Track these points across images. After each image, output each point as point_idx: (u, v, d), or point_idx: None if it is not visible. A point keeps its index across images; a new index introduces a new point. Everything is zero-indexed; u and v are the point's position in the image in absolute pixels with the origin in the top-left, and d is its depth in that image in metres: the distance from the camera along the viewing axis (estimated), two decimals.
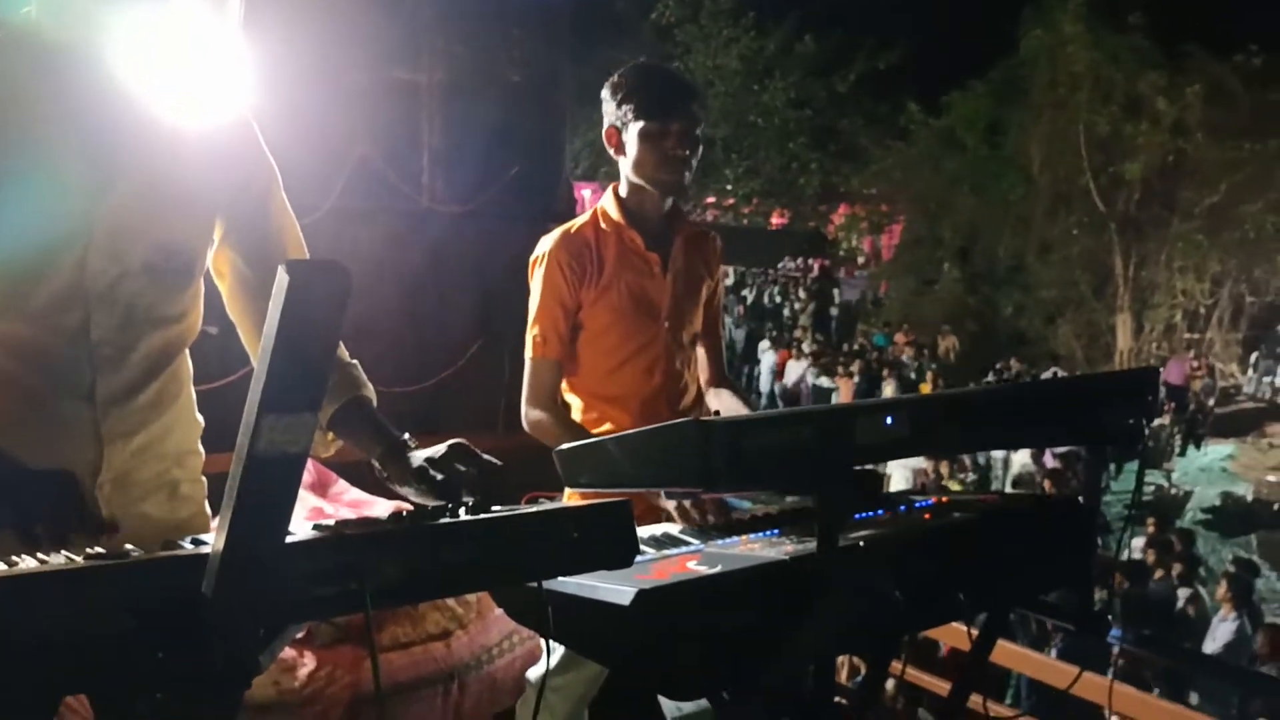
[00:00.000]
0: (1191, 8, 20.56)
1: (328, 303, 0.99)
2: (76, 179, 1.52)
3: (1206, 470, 16.98)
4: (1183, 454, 17.34)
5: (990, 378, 18.87)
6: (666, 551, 1.74)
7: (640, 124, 2.38)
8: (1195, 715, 3.67)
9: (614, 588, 1.42)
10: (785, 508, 2.13)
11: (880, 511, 1.92)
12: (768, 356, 19.47)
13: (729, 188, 28.74)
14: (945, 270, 24.68)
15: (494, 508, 1.36)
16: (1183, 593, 8.45)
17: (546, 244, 2.47)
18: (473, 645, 3.44)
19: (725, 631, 1.46)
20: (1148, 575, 8.65)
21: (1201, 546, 11.48)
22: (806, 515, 1.99)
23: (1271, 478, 16.29)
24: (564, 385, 2.52)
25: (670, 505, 2.16)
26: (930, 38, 24.39)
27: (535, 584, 1.36)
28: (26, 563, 1.12)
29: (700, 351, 2.68)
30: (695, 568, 1.55)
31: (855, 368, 17.90)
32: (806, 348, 19.88)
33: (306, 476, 3.83)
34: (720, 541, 1.81)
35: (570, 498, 2.27)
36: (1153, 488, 14.53)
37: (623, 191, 2.50)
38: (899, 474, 11.03)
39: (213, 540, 1.07)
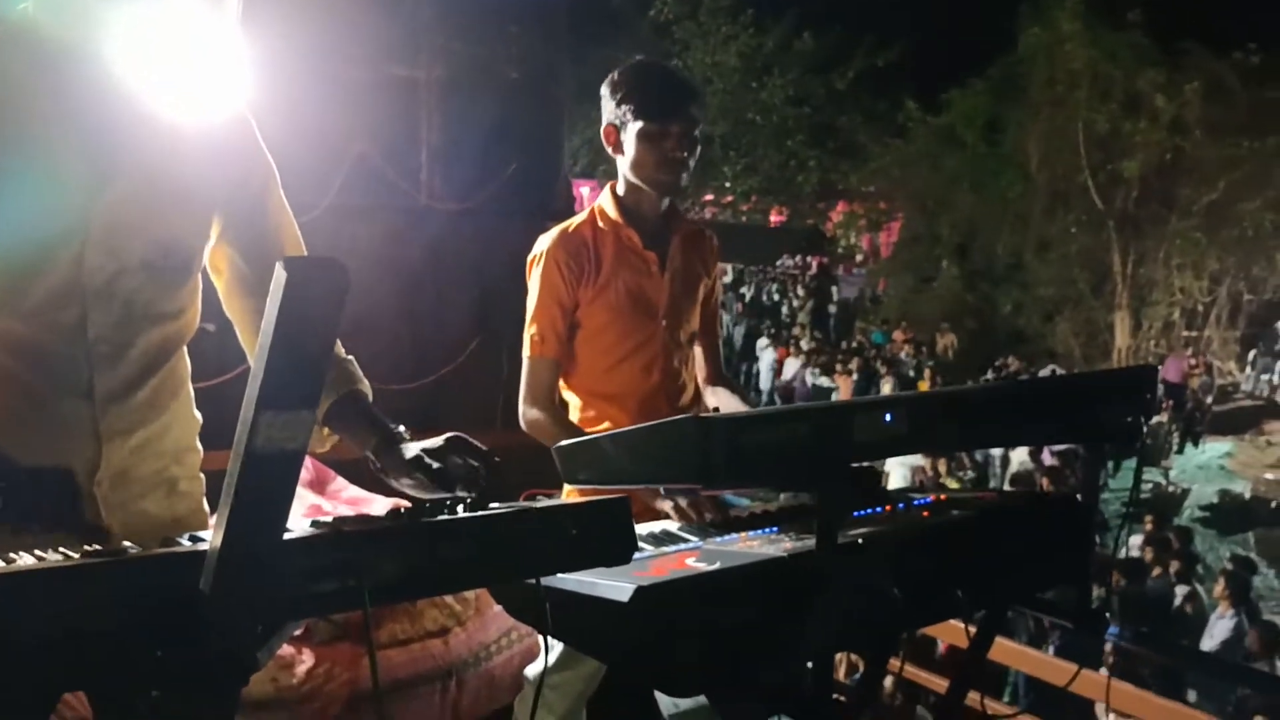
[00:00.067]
0: (1190, 5, 20.56)
1: (325, 299, 0.99)
2: (74, 176, 1.51)
3: (1204, 468, 16.99)
4: (1180, 452, 17.35)
5: (989, 375, 18.88)
6: (665, 549, 1.74)
7: (639, 124, 2.38)
8: (1193, 713, 3.67)
9: (612, 584, 1.42)
10: (784, 505, 2.14)
11: (879, 509, 1.92)
12: (767, 354, 19.47)
13: (727, 185, 28.72)
14: (943, 268, 24.68)
15: (492, 504, 1.36)
16: (1180, 590, 8.46)
17: (544, 243, 2.46)
18: (471, 642, 3.44)
19: (724, 628, 1.47)
20: (1145, 573, 8.65)
21: (1199, 544, 11.49)
22: (805, 513, 1.99)
23: (1269, 475, 16.31)
24: (562, 384, 2.52)
25: (668, 505, 2.16)
26: (929, 35, 24.39)
27: (533, 581, 1.36)
28: (24, 560, 1.12)
29: (698, 350, 2.68)
30: (694, 565, 1.55)
31: (854, 365, 17.90)
32: (805, 345, 19.88)
33: (304, 474, 3.83)
34: (719, 539, 1.81)
35: (569, 495, 2.27)
36: (1150, 485, 14.54)
37: (620, 190, 2.50)
38: (897, 472, 11.02)
39: (211, 537, 1.07)
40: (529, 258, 2.49)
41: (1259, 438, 18.52)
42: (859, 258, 31.30)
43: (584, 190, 16.21)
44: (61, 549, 1.17)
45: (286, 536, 1.12)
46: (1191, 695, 6.51)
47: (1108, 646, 5.87)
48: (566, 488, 2.25)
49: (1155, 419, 15.07)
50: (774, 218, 31.14)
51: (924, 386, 16.91)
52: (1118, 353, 21.17)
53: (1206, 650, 7.39)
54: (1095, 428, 1.97)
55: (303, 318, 0.98)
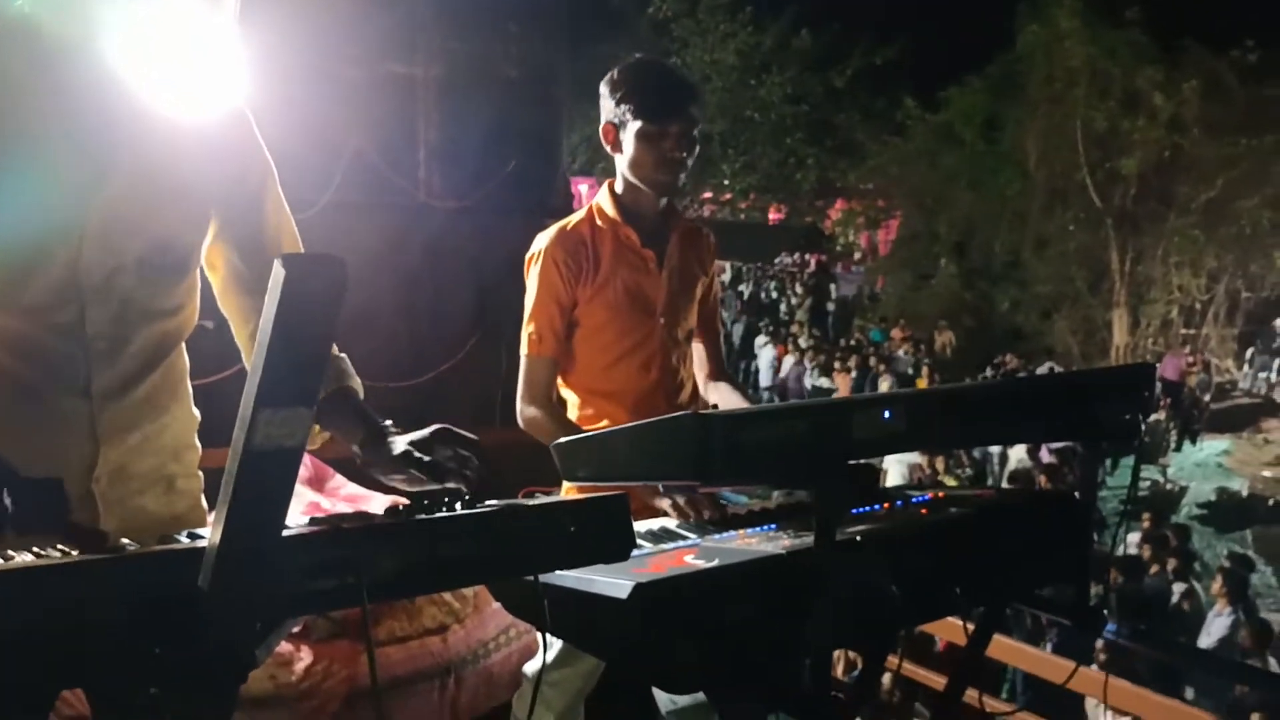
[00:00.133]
0: (1188, 3, 20.58)
1: (324, 296, 0.99)
2: (71, 173, 1.51)
3: (1202, 465, 17.01)
4: (1178, 449, 17.37)
5: (988, 373, 18.89)
6: (663, 546, 1.74)
7: (638, 124, 2.38)
8: (1191, 710, 3.68)
9: (611, 581, 1.42)
10: (782, 502, 2.14)
11: (877, 506, 1.92)
12: (766, 352, 19.47)
13: (726, 183, 28.73)
14: (942, 265, 24.69)
15: (490, 501, 1.36)
16: (1178, 588, 8.47)
17: (542, 241, 2.46)
18: (469, 640, 3.45)
19: (722, 626, 1.47)
20: (1143, 570, 8.66)
21: (1197, 542, 11.49)
22: (803, 510, 1.99)
23: (1267, 473, 16.34)
24: (560, 382, 2.52)
25: (666, 503, 2.16)
26: (927, 33, 24.40)
27: (532, 578, 1.36)
28: (22, 557, 1.12)
29: (699, 347, 2.68)
30: (692, 562, 1.55)
31: (852, 363, 17.91)
32: (803, 343, 19.88)
33: (303, 471, 3.83)
34: (717, 536, 1.81)
35: (568, 492, 2.27)
36: (1148, 483, 14.55)
37: (618, 188, 2.50)
38: (895, 469, 11.03)
39: (209, 534, 1.07)
40: (527, 256, 2.49)
41: (1256, 435, 18.55)
42: (857, 255, 31.31)
43: (582, 188, 16.20)
44: (60, 546, 1.17)
45: (285, 534, 1.12)
46: (1189, 693, 6.51)
47: (1099, 643, 5.89)
48: (565, 485, 2.26)
49: (1153, 417, 15.09)
50: (772, 215, 31.15)
51: (922, 384, 16.92)
52: (1116, 350, 21.20)
53: (1204, 648, 7.40)
54: (1093, 425, 1.97)
55: (301, 315, 0.97)
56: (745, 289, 26.86)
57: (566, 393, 2.53)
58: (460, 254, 6.10)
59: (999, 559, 1.91)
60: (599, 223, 2.48)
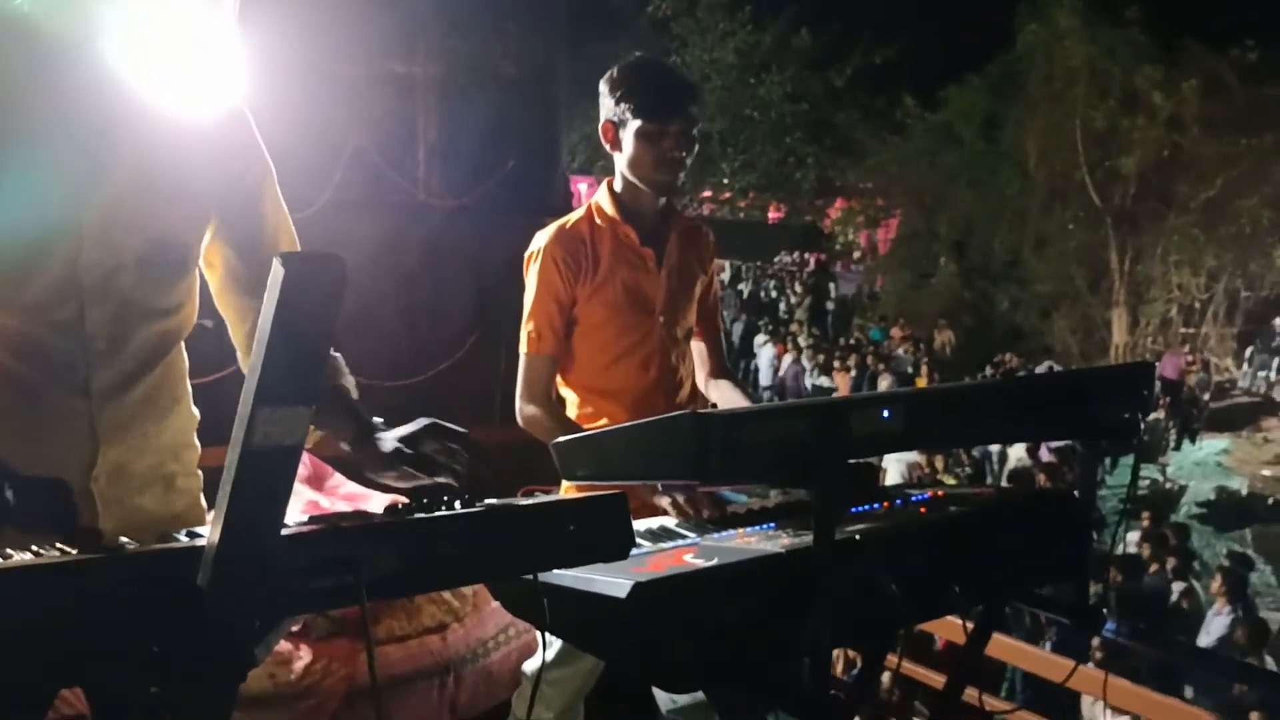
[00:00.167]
0: (1188, 2, 20.58)
1: (323, 294, 0.99)
2: (70, 172, 1.51)
3: (1201, 464, 17.02)
4: (1178, 448, 17.38)
5: (988, 372, 18.90)
6: (662, 545, 1.74)
7: (638, 123, 2.38)
8: (1189, 708, 3.68)
9: (610, 580, 1.42)
10: (781, 501, 2.14)
11: (876, 505, 1.92)
12: (765, 351, 19.47)
13: (725, 181, 28.73)
14: (941, 264, 24.69)
15: (489, 500, 1.36)
16: (1177, 587, 8.47)
17: (541, 239, 2.46)
18: (469, 638, 3.45)
19: (721, 624, 1.46)
20: (1143, 569, 8.67)
21: (1196, 541, 11.49)
22: (803, 509, 1.99)
23: (1266, 472, 16.35)
24: (559, 380, 2.51)
25: (665, 502, 2.16)
26: (927, 32, 24.40)
27: (531, 577, 1.36)
28: (21, 556, 1.12)
29: (701, 345, 2.68)
30: (691, 561, 1.55)
31: (852, 362, 17.91)
32: (802, 341, 19.88)
33: (302, 470, 3.83)
34: (716, 535, 1.81)
35: (567, 491, 2.27)
36: (1147, 482, 14.56)
37: (617, 187, 2.50)
38: (894, 468, 11.03)
39: (208, 533, 1.07)
40: (526, 254, 2.48)
41: (1256, 434, 18.56)
42: (857, 254, 31.31)
43: (581, 187, 16.19)
44: (59, 545, 1.16)
45: (284, 532, 1.12)
46: (1189, 691, 6.52)
47: (1094, 641, 5.90)
48: (564, 484, 2.25)
49: (1152, 416, 15.11)
50: (772, 214, 31.15)
51: (921, 383, 16.92)
52: (1115, 349, 21.21)
53: (1203, 646, 7.41)
54: (1092, 424, 1.97)
55: (300, 313, 0.97)
56: (744, 288, 26.87)
57: (565, 391, 2.53)
58: (459, 253, 6.10)
59: (998, 558, 1.91)
60: (598, 221, 2.48)
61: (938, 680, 3.89)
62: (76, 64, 1.51)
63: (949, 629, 3.72)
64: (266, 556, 1.07)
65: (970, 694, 2.26)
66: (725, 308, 21.79)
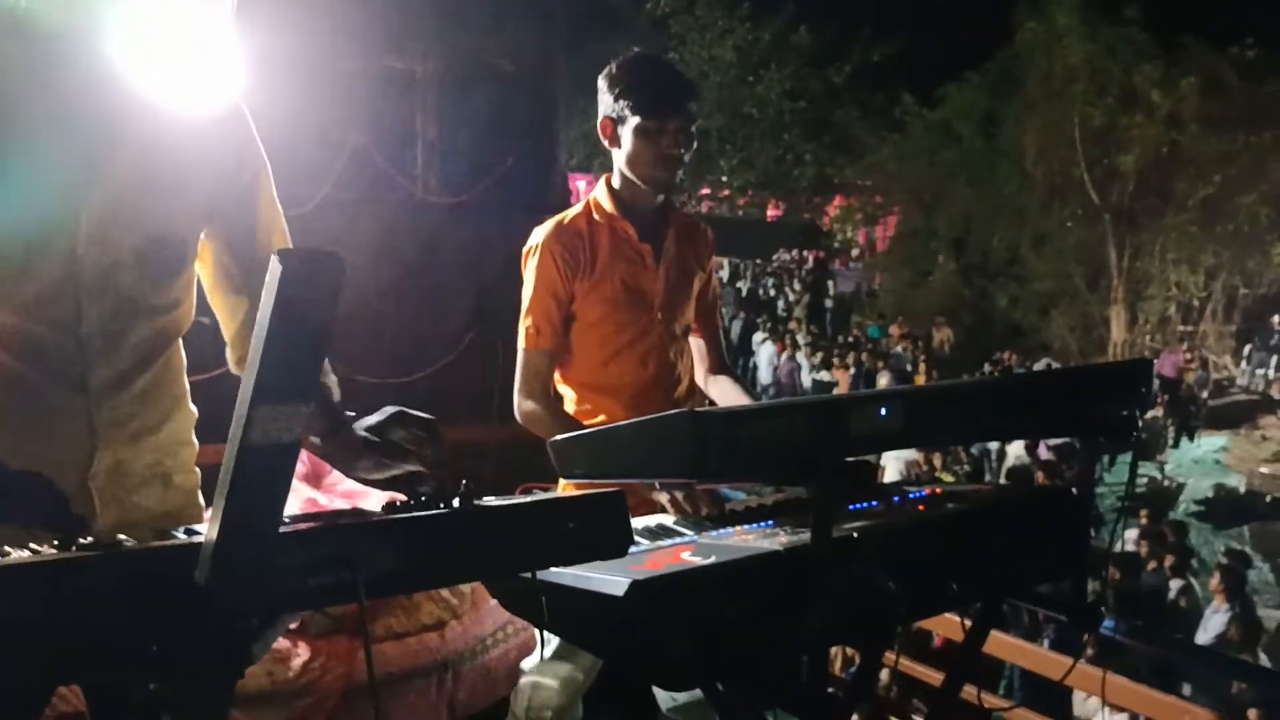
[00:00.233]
0: (1187, 0, 20.58)
1: (322, 292, 0.99)
2: (67, 168, 1.51)
3: (1200, 462, 17.02)
4: (1176, 446, 17.38)
5: (987, 369, 18.91)
6: (660, 542, 1.74)
7: (637, 120, 2.37)
8: (1187, 706, 3.68)
9: (608, 578, 1.42)
10: (779, 499, 2.14)
11: (874, 502, 1.92)
12: (765, 348, 19.45)
13: (724, 179, 28.75)
14: (940, 262, 24.68)
15: (488, 498, 1.36)
16: (1175, 584, 8.48)
17: (539, 235, 2.46)
18: (467, 636, 3.45)
19: (719, 622, 1.47)
20: (1141, 567, 8.67)
21: (1194, 538, 11.49)
22: (800, 506, 1.99)
23: (1264, 469, 16.36)
24: (557, 376, 2.51)
25: (663, 499, 2.16)
26: (926, 30, 24.40)
27: (529, 574, 1.36)
28: (19, 553, 1.12)
29: (700, 341, 2.68)
30: (689, 558, 1.55)
31: (850, 360, 17.91)
32: (801, 339, 19.88)
33: (300, 467, 3.83)
34: (714, 532, 1.81)
35: (565, 489, 2.27)
36: (1146, 480, 14.56)
37: (615, 183, 2.49)
38: (892, 466, 11.04)
39: (206, 530, 1.07)
40: (524, 249, 2.48)
41: (1254, 432, 18.57)
42: (855, 252, 31.34)
43: (580, 184, 16.20)
44: (56, 542, 1.16)
45: (282, 529, 1.12)
46: (1186, 689, 6.52)
47: (1086, 638, 5.91)
48: (562, 482, 2.25)
49: (1150, 413, 15.12)
50: (770, 212, 31.16)
51: (920, 381, 16.92)
52: (1113, 347, 21.21)
53: (1201, 644, 7.42)
54: (1090, 422, 1.97)
55: (299, 310, 0.97)
56: (743, 285, 26.87)
57: (563, 387, 2.53)
58: (457, 250, 6.10)
59: (996, 555, 1.91)
60: (596, 217, 2.48)
61: (936, 678, 3.90)
62: (76, 62, 1.51)
63: (947, 626, 3.72)
64: (265, 553, 1.07)
65: (968, 691, 2.26)
66: (724, 305, 21.85)
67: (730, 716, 1.64)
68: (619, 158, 2.45)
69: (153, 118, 1.57)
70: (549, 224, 2.47)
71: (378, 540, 1.19)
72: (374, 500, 3.34)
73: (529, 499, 1.38)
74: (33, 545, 1.14)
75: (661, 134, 2.37)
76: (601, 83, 2.44)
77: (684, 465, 1.41)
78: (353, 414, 1.66)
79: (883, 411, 1.57)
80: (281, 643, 3.01)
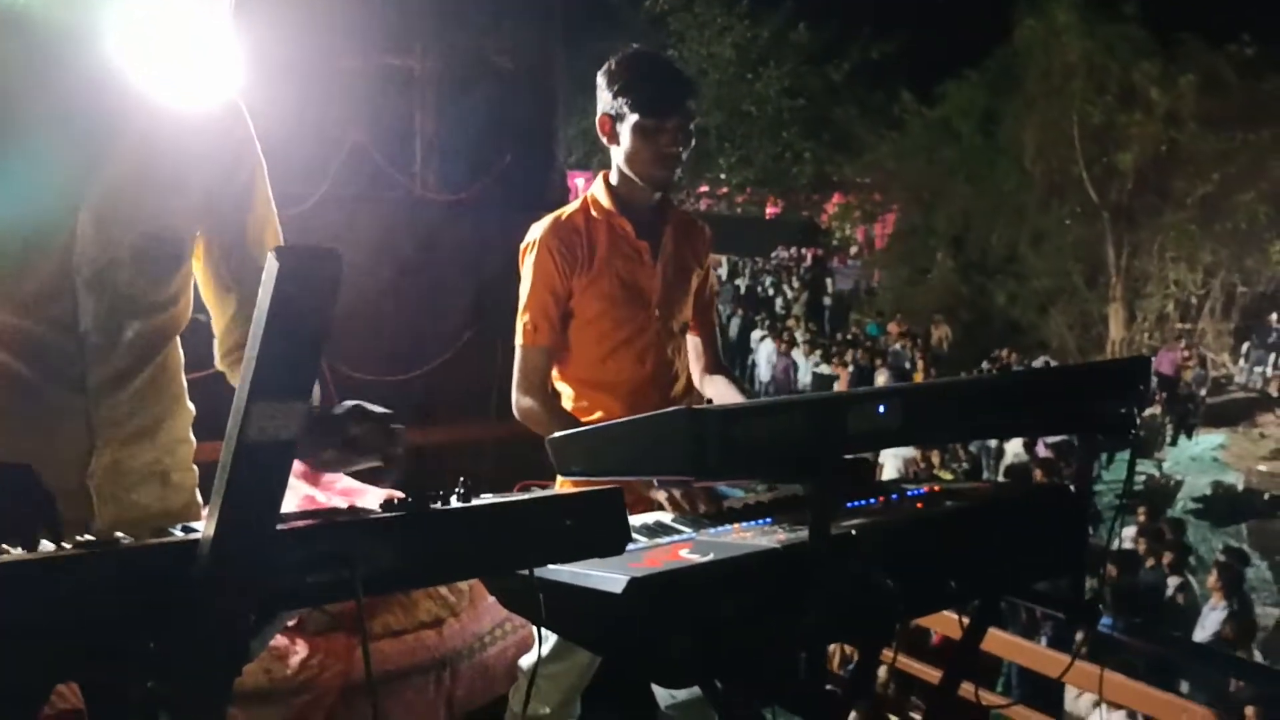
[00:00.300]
0: None
1: (319, 289, 0.98)
2: (65, 166, 1.51)
3: (1197, 460, 17.04)
4: (1174, 443, 17.39)
5: (985, 367, 18.91)
6: (658, 540, 1.74)
7: (635, 118, 2.37)
8: (1185, 703, 3.68)
9: (606, 575, 1.42)
10: (777, 496, 2.14)
11: (872, 500, 1.92)
12: (764, 346, 19.45)
13: (722, 176, 28.75)
14: (939, 260, 24.70)
15: (486, 496, 1.35)
16: (1173, 581, 8.49)
17: (537, 231, 2.46)
18: (465, 633, 3.45)
19: (717, 619, 1.46)
20: (1138, 564, 8.68)
21: (1192, 535, 11.51)
22: (799, 504, 1.99)
23: (1262, 467, 16.38)
24: (555, 373, 2.51)
25: (661, 496, 2.16)
26: (925, 27, 24.40)
27: (527, 572, 1.36)
28: (16, 550, 1.12)
29: (695, 340, 2.68)
30: (687, 556, 1.55)
31: (849, 357, 17.91)
32: (799, 337, 19.87)
33: (297, 465, 3.82)
34: (712, 530, 1.81)
35: (562, 486, 2.26)
36: (1144, 477, 14.57)
37: (613, 180, 2.49)
38: (890, 464, 11.05)
39: (203, 527, 1.07)
40: (521, 246, 2.48)
41: (1252, 430, 18.59)
42: (854, 249, 31.34)
43: (579, 182, 16.16)
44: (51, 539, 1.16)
45: (279, 527, 1.12)
46: (1184, 686, 6.53)
47: (1079, 635, 5.91)
48: (560, 479, 2.25)
49: (1149, 411, 15.11)
50: (769, 209, 31.18)
51: (918, 378, 16.92)
52: (1111, 345, 21.23)
53: (1199, 641, 7.42)
54: (1089, 419, 1.97)
55: (296, 307, 0.97)
56: (741, 283, 26.87)
57: (560, 385, 2.53)
58: (456, 248, 6.09)
59: (994, 553, 1.91)
60: (593, 213, 2.48)
61: (934, 675, 3.90)
62: (74, 58, 1.50)
63: (945, 624, 3.72)
64: (262, 551, 1.07)
65: (966, 689, 2.26)
66: (722, 303, 21.83)
67: (728, 714, 1.64)
68: (617, 155, 2.44)
69: (151, 115, 1.57)
70: (546, 220, 2.47)
71: (375, 537, 1.19)
72: (372, 498, 3.34)
73: (527, 496, 1.37)
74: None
75: (660, 132, 2.37)
76: (600, 79, 2.43)
77: (682, 463, 1.41)
78: (314, 406, 1.65)
79: (881, 409, 1.57)
80: (279, 640, 3.01)
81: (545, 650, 2.43)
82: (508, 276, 2.60)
